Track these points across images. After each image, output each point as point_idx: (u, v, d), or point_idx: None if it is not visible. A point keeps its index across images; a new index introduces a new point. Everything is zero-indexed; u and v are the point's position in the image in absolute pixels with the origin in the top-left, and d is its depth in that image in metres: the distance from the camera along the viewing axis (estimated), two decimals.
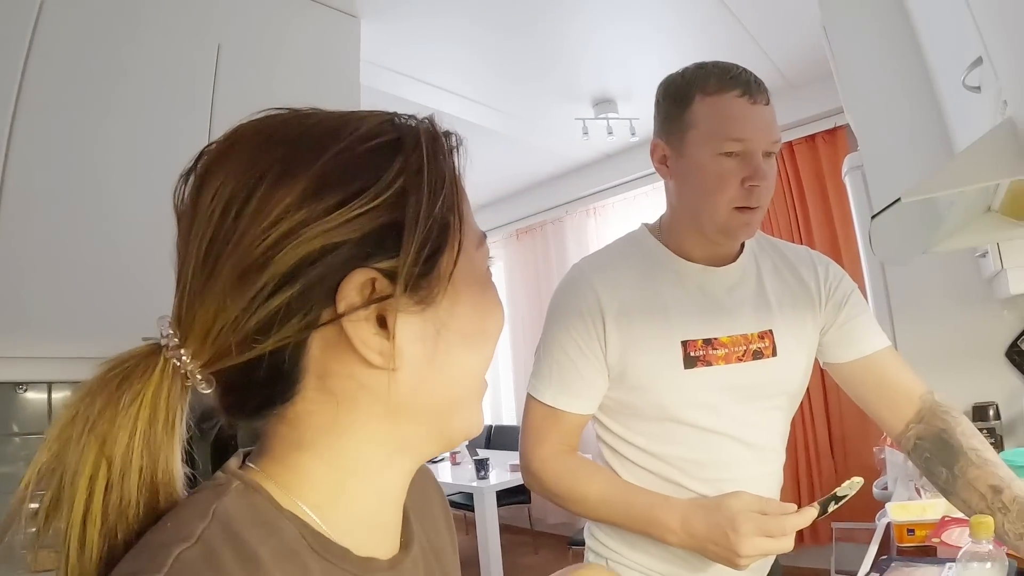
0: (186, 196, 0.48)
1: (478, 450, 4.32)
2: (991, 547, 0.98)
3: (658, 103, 1.15)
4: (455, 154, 0.51)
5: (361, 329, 0.45)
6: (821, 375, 3.81)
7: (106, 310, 1.88)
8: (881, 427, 1.21)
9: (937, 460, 1.11)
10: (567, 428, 1.15)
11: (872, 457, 2.98)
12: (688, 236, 1.15)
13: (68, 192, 1.82)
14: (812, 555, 3.68)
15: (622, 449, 1.15)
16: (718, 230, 1.08)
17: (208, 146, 0.49)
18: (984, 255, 1.78)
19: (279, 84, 2.34)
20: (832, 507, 0.95)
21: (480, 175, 4.91)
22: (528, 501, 4.84)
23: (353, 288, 0.44)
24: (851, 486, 0.95)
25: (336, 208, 0.44)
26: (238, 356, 0.44)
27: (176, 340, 0.45)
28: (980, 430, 1.89)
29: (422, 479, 0.65)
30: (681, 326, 1.11)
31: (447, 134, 0.51)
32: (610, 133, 4.00)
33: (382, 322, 0.46)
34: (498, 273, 5.64)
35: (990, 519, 0.99)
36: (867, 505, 2.88)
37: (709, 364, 1.11)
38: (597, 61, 3.33)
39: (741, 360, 1.12)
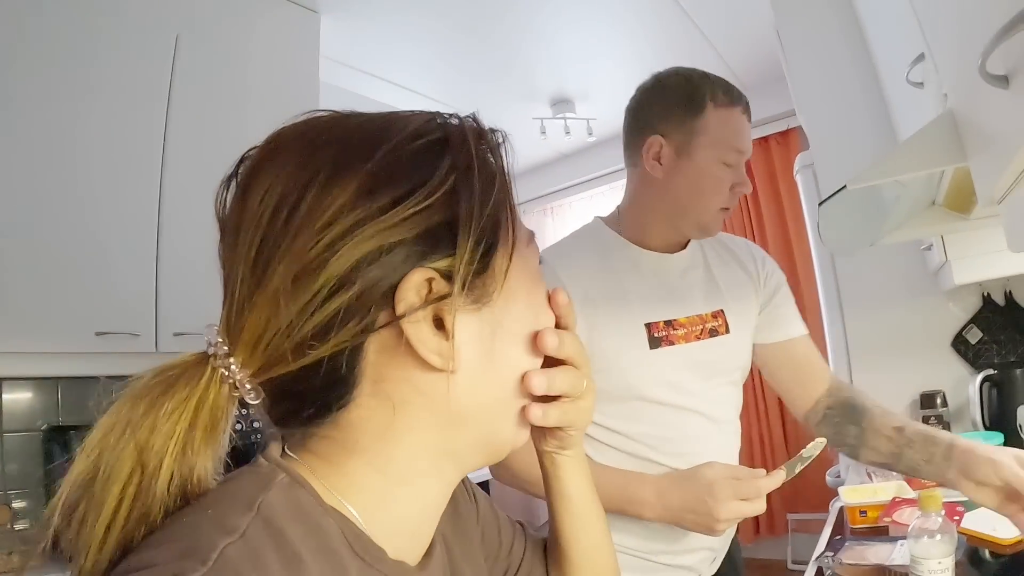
0: (229, 202, 0.47)
1: None
2: (941, 520, 1.03)
3: (663, 100, 1.18)
4: (501, 150, 0.51)
5: (420, 330, 0.44)
6: None
7: (55, 305, 1.84)
8: (789, 403, 1.33)
9: (847, 421, 1.24)
10: None
11: None
12: (653, 226, 1.21)
13: (10, 180, 1.78)
14: (769, 546, 3.74)
15: (591, 432, 1.17)
16: (699, 226, 1.17)
17: (249, 151, 0.48)
18: (929, 248, 1.83)
19: (237, 77, 2.31)
20: (799, 468, 0.98)
21: None
22: (487, 494, 4.84)
23: (412, 288, 0.44)
24: (815, 446, 0.99)
25: (391, 207, 0.43)
26: (293, 363, 0.43)
27: (225, 349, 0.44)
28: (928, 417, 1.99)
29: None
30: (642, 310, 1.17)
31: (492, 131, 0.51)
32: (567, 133, 4.04)
33: (438, 323, 0.45)
34: None
35: (939, 493, 1.04)
36: (822, 496, 2.96)
37: (672, 344, 1.17)
38: (555, 61, 3.36)
39: (699, 338, 1.19)
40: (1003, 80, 0.61)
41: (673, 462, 1.13)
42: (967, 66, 0.77)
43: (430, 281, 0.44)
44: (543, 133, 3.99)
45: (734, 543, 1.30)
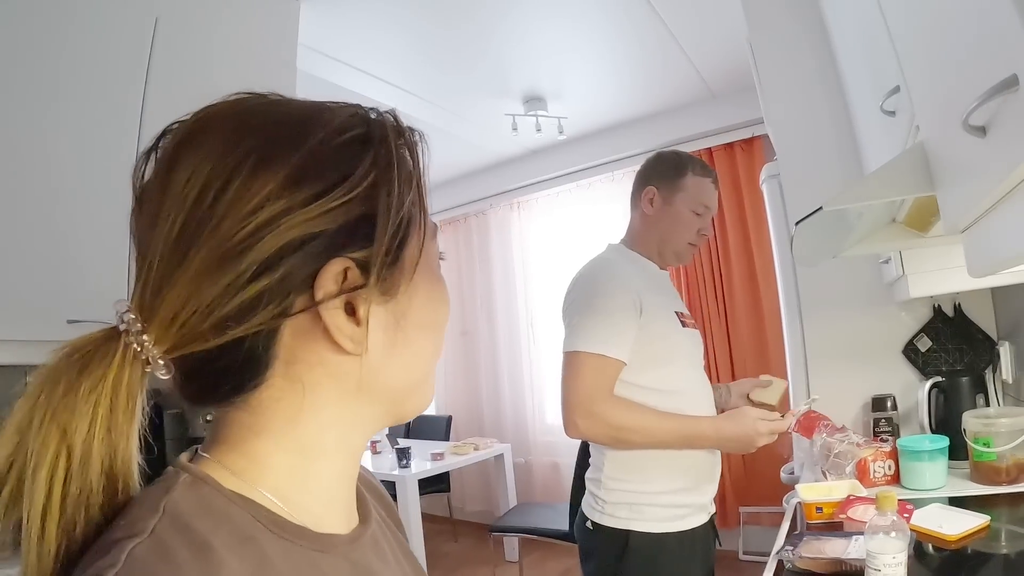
0: (150, 175, 0.47)
1: (399, 440, 4.32)
2: (895, 519, 1.12)
3: (657, 166, 1.75)
4: (418, 149, 0.53)
5: (335, 316, 0.47)
6: (728, 341, 4.05)
7: (25, 292, 1.81)
8: None
9: None
10: (611, 373, 1.55)
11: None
12: (652, 251, 1.74)
13: None
14: (721, 537, 3.83)
15: (632, 394, 1.58)
16: (675, 254, 1.74)
17: (172, 125, 0.49)
18: (887, 261, 1.91)
19: (215, 61, 2.28)
20: (804, 408, 1.71)
21: None
22: (448, 490, 4.88)
23: (330, 277, 0.46)
24: (810, 403, 1.72)
25: (315, 199, 0.45)
26: (212, 341, 0.44)
27: (139, 325, 0.44)
28: (879, 419, 2.09)
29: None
30: (668, 302, 1.69)
31: (410, 129, 0.53)
32: (538, 130, 4.09)
33: (350, 310, 0.48)
34: None
35: (894, 494, 1.13)
36: (774, 490, 3.09)
37: (687, 327, 1.69)
38: (530, 59, 3.39)
39: (694, 328, 1.75)
40: (980, 130, 0.68)
41: (689, 411, 1.60)
42: (944, 107, 0.84)
43: (347, 270, 0.47)
44: (514, 129, 4.03)
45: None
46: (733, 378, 4.05)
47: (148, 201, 0.47)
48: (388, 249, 0.48)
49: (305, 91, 0.54)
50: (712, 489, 1.66)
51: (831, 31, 2.04)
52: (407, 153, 0.52)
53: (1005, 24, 0.54)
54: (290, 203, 0.45)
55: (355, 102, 0.53)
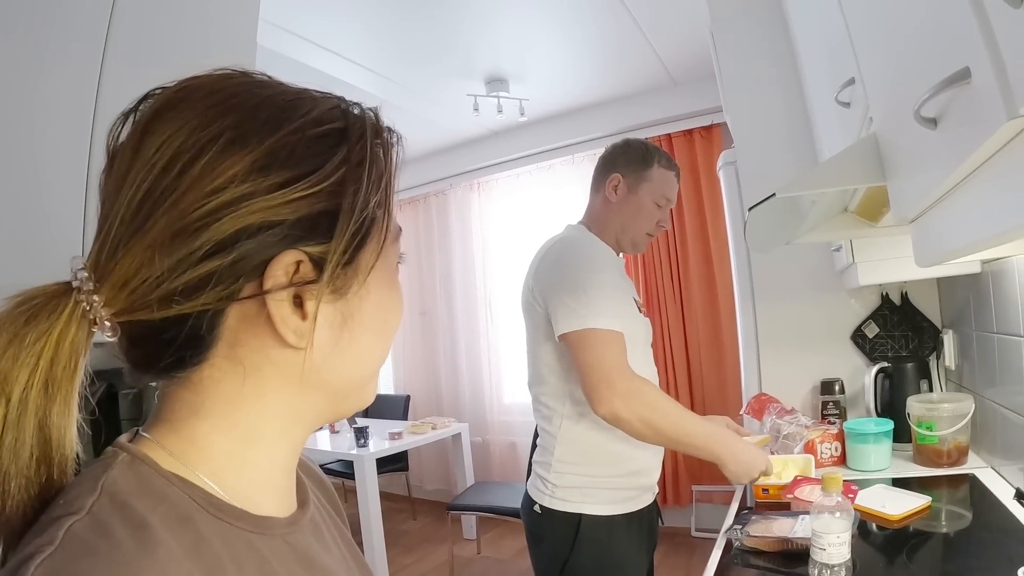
0: (125, 137, 0.47)
1: (356, 419, 4.30)
2: (839, 499, 1.16)
3: (625, 154, 1.75)
4: (393, 152, 0.52)
5: (281, 307, 0.47)
6: (683, 325, 4.12)
7: None
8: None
9: None
10: (623, 347, 1.53)
11: (727, 398, 3.55)
12: (611, 237, 1.73)
13: None
14: (674, 516, 3.94)
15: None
16: (632, 242, 1.74)
17: (154, 90, 0.48)
18: (839, 249, 1.96)
19: (173, 33, 2.21)
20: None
21: None
22: (406, 469, 4.89)
23: (281, 267, 0.46)
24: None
25: (280, 187, 0.45)
26: (157, 312, 0.44)
27: (91, 284, 0.44)
28: (827, 402, 2.16)
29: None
30: (629, 288, 1.73)
31: (389, 130, 0.53)
32: (500, 111, 4.06)
33: (297, 302, 0.47)
34: None
35: (839, 476, 1.17)
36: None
37: (641, 313, 1.73)
38: (494, 40, 3.36)
39: (646, 316, 1.75)
40: (932, 122, 0.70)
41: None
42: (897, 98, 0.86)
43: (299, 263, 0.46)
44: (476, 110, 4.00)
45: None
46: (688, 363, 4.13)
47: (119, 162, 0.46)
48: (346, 248, 0.48)
49: (265, 67, 0.53)
50: (657, 472, 1.70)
51: (791, 23, 2.07)
52: (381, 153, 0.51)
53: (960, 17, 0.55)
54: (254, 187, 0.44)
55: (338, 93, 0.52)
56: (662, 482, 1.90)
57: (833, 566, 1.14)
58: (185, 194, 0.44)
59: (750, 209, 1.43)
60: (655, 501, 1.73)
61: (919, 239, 0.97)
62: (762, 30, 2.36)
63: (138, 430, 0.51)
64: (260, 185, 0.45)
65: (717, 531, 1.47)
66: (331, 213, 0.47)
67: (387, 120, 0.53)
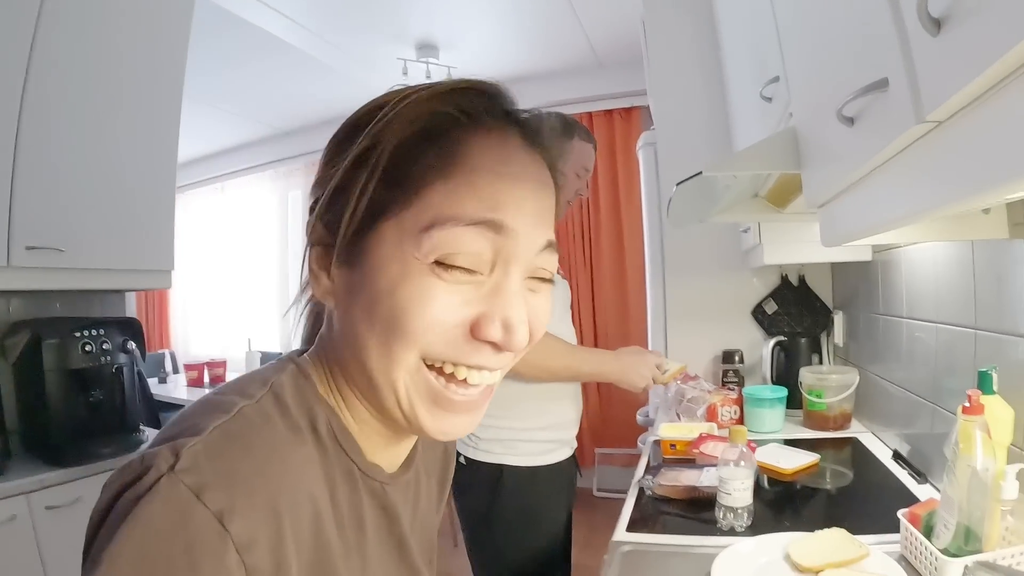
0: None
1: None
2: (744, 450, 1.30)
3: (549, 126, 1.68)
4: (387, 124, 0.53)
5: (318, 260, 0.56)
6: (592, 293, 4.28)
7: None
8: None
9: None
10: None
11: None
12: None
13: None
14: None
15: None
16: None
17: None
18: (747, 231, 2.11)
19: None
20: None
21: (291, 101, 4.70)
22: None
23: (313, 230, 0.56)
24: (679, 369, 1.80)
25: (324, 168, 0.56)
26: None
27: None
28: (727, 370, 2.34)
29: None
30: None
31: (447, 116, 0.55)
32: (428, 77, 4.05)
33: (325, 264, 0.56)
34: (296, 203, 5.47)
35: (745, 429, 1.31)
36: (627, 432, 3.35)
37: (559, 274, 1.70)
38: (425, 5, 3.35)
39: (563, 278, 1.84)
40: (849, 121, 0.81)
41: None
42: (819, 97, 0.97)
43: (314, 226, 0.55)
44: (404, 74, 3.97)
45: None
46: (595, 330, 4.31)
47: None
48: (350, 222, 0.52)
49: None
50: (575, 427, 1.82)
51: (720, 21, 2.20)
52: (413, 143, 0.52)
53: (884, 35, 0.65)
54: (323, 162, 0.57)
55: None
56: None
57: (737, 509, 1.28)
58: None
59: (678, 184, 1.54)
60: (574, 456, 1.83)
61: (826, 222, 1.09)
62: (691, 24, 2.51)
63: (305, 350, 0.60)
64: (322, 165, 0.58)
65: (619, 491, 1.58)
66: (345, 189, 0.53)
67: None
